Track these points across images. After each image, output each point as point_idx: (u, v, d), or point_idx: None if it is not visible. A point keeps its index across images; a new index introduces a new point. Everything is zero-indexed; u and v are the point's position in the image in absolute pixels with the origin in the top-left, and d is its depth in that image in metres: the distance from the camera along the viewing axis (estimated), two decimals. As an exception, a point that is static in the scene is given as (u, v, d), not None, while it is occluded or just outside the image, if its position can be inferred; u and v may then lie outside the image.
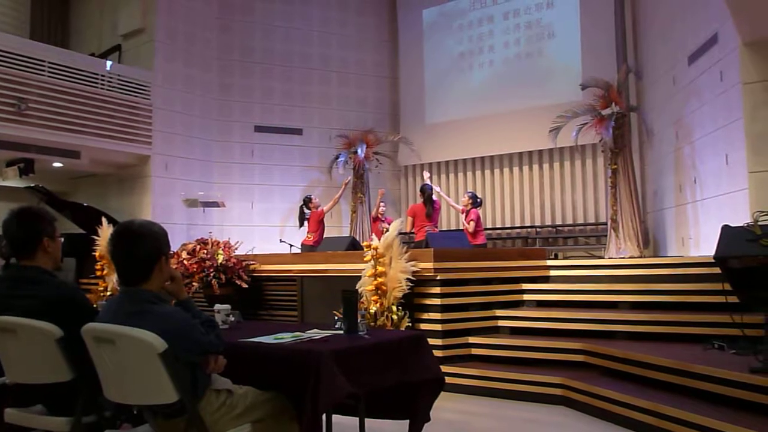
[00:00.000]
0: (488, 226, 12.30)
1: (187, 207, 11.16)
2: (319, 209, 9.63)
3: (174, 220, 10.92)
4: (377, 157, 12.40)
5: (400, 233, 6.01)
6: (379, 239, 5.89)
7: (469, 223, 8.47)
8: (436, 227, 8.92)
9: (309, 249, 9.13)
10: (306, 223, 9.70)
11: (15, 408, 2.82)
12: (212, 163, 12.10)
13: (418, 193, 9.31)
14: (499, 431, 4.55)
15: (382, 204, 9.93)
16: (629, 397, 4.24)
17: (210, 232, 8.28)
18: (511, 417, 4.81)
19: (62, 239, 3.03)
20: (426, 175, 9.96)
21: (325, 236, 9.39)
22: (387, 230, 6.09)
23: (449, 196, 11.13)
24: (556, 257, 9.68)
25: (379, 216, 9.87)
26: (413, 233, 8.84)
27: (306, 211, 9.69)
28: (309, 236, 9.52)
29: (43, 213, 2.94)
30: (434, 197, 8.86)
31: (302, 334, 3.16)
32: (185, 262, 7.10)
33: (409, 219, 8.88)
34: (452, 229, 12.09)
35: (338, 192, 10.48)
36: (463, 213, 8.78)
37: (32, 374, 2.73)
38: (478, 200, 8.85)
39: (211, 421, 2.47)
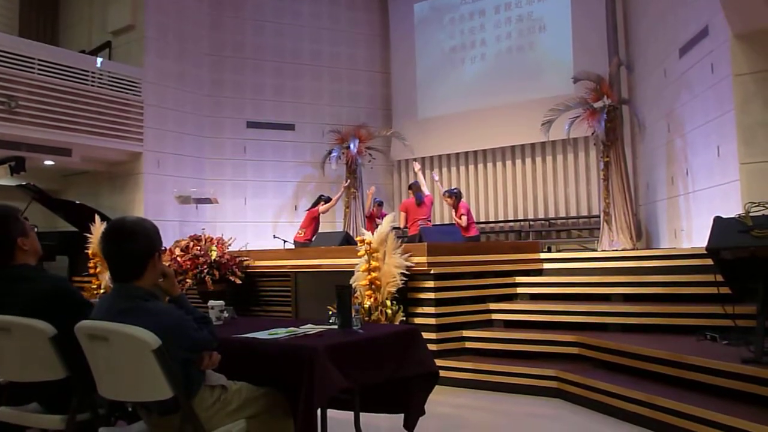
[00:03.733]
0: (481, 220, 12.35)
1: (180, 204, 11.13)
2: (315, 208, 9.57)
3: (166, 216, 10.89)
4: (370, 152, 12.41)
5: (393, 228, 6.01)
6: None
7: (461, 218, 8.49)
8: (430, 221, 8.96)
9: (301, 246, 9.11)
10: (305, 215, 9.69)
11: (9, 406, 2.81)
12: (204, 160, 12.07)
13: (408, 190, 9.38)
14: (493, 424, 4.56)
15: (377, 201, 9.92)
16: (623, 389, 4.26)
17: (203, 229, 8.26)
18: (506, 410, 4.82)
19: (36, 228, 2.97)
20: (417, 166, 9.91)
21: (318, 231, 9.37)
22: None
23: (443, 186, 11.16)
24: (549, 250, 9.71)
25: (374, 214, 9.85)
26: (407, 228, 8.88)
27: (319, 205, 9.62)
28: (300, 232, 9.48)
29: (7, 213, 2.85)
30: (426, 191, 8.93)
31: (296, 329, 3.16)
32: (179, 258, 7.09)
33: (402, 214, 8.96)
34: (446, 223, 12.10)
35: (336, 194, 10.45)
36: (452, 207, 8.85)
37: (26, 372, 2.72)
38: (455, 191, 8.92)
39: (206, 417, 2.47)
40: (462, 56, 12.81)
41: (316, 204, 9.62)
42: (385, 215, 9.21)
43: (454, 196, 8.74)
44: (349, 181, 11.41)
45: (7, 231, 2.79)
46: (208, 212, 11.65)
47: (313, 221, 9.50)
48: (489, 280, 6.30)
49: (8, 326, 2.63)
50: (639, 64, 10.36)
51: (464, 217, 8.48)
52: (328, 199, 9.68)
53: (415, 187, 8.94)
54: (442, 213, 12.62)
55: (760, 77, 6.48)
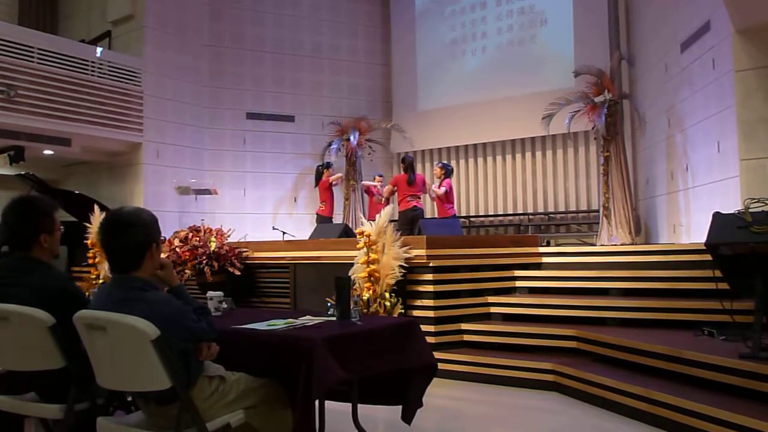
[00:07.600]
0: (480, 214, 12.36)
1: (179, 195, 11.11)
2: (324, 179, 9.90)
3: (166, 207, 10.88)
4: (370, 144, 12.40)
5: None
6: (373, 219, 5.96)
7: (440, 188, 8.70)
8: (420, 198, 9.11)
9: (323, 220, 9.35)
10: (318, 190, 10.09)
11: (7, 395, 2.81)
12: (204, 151, 12.05)
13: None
14: (491, 417, 4.58)
15: (377, 174, 10.13)
16: (620, 383, 4.28)
17: (202, 220, 8.25)
18: (503, 403, 4.84)
19: (62, 228, 2.99)
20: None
21: (316, 224, 9.45)
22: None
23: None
24: (548, 244, 9.71)
25: (374, 190, 10.00)
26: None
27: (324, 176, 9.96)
28: (321, 206, 9.81)
29: (42, 207, 2.85)
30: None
31: (295, 320, 3.16)
32: (178, 249, 7.09)
33: (393, 188, 9.16)
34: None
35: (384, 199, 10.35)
36: (438, 179, 9.05)
37: (24, 361, 2.72)
38: (449, 167, 9.16)
39: (204, 407, 2.47)
40: (463, 48, 12.77)
41: (319, 176, 9.99)
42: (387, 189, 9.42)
43: (446, 170, 8.96)
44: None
45: (35, 222, 2.80)
46: (207, 203, 11.63)
47: (327, 191, 9.70)
48: (488, 273, 6.31)
49: (7, 315, 2.63)
50: (640, 59, 10.34)
51: (443, 188, 8.70)
52: (328, 165, 10.07)
53: (407, 162, 9.02)
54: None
55: (762, 73, 6.46)
